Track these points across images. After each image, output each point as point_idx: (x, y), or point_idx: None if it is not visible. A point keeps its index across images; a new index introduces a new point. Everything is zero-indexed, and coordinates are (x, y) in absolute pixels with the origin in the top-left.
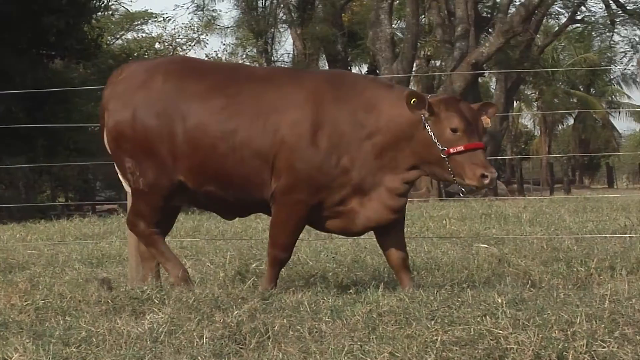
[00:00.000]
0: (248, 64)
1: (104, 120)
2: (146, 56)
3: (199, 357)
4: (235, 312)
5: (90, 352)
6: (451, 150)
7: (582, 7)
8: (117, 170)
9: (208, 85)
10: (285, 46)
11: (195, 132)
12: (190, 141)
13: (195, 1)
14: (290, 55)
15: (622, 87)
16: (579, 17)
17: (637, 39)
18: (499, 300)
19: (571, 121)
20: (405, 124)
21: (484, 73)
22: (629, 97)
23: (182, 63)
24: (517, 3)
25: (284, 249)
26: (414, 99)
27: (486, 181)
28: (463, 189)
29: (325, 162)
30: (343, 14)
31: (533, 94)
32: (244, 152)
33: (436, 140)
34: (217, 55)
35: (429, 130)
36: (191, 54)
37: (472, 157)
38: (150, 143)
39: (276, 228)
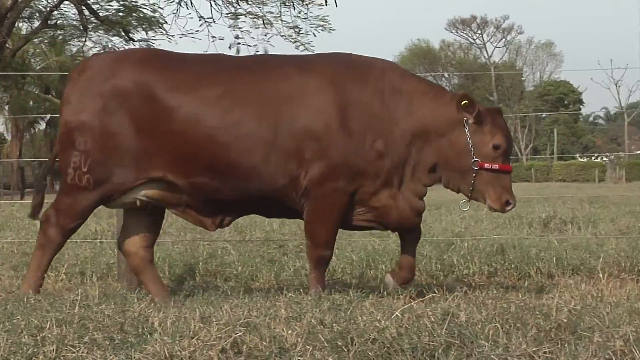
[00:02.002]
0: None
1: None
2: None
3: None
4: None
5: None
6: (485, 165)
7: (56, 12)
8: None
9: (195, 74)
10: None
11: (186, 123)
12: (179, 133)
13: None
14: None
15: None
16: (52, 22)
17: (109, 45)
18: None
19: (43, 125)
20: (441, 118)
21: None
22: None
23: (155, 53)
24: None
25: (327, 246)
26: (465, 102)
27: (509, 208)
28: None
29: (360, 146)
30: None
31: (5, 97)
32: (249, 142)
33: (472, 150)
34: None
35: (468, 137)
36: None
37: (501, 179)
38: (118, 137)
39: (316, 224)
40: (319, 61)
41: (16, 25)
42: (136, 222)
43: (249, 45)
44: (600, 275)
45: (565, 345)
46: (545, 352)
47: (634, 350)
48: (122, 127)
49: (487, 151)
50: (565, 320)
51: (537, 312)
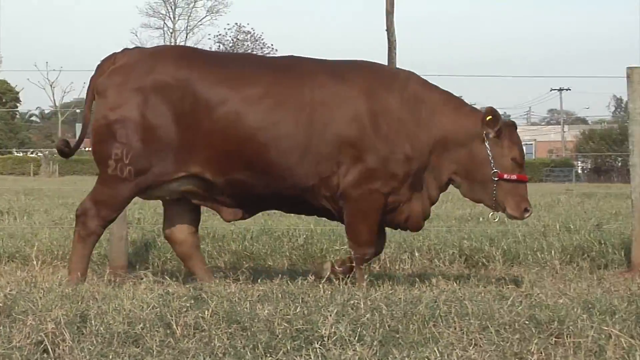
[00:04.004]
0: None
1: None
2: None
3: None
4: None
5: None
6: (504, 176)
7: None
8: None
9: (235, 73)
10: None
11: (228, 121)
12: (220, 131)
13: None
14: None
15: None
16: None
17: None
18: None
19: None
20: (461, 129)
21: None
22: None
23: (189, 50)
24: None
25: (368, 244)
26: (490, 117)
27: (526, 215)
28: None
29: (392, 149)
30: None
31: None
32: (285, 144)
33: (492, 161)
34: None
35: (488, 149)
36: None
37: (518, 188)
38: (160, 132)
39: (357, 224)
40: (346, 68)
41: None
42: (179, 210)
43: None
44: (35, 263)
45: (0, 328)
46: None
47: (64, 332)
48: (163, 121)
49: (506, 164)
50: (1, 305)
51: None
